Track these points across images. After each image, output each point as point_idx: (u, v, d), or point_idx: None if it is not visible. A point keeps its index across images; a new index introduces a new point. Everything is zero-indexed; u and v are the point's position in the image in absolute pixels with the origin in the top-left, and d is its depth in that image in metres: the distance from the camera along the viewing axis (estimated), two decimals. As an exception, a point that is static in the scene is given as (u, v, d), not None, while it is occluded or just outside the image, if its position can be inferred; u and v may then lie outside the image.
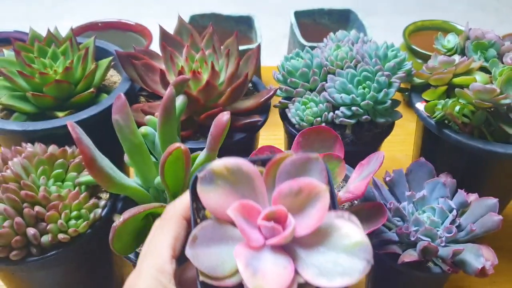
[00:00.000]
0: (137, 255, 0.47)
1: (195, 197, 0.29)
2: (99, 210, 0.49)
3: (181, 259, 0.30)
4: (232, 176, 0.28)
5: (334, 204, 0.29)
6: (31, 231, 0.44)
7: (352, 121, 0.58)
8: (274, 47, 1.29)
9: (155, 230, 0.31)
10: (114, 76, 0.68)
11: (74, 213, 0.47)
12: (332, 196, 0.29)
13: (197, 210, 0.30)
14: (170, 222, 0.30)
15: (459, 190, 0.52)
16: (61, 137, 0.51)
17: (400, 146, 0.82)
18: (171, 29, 0.65)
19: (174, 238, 0.30)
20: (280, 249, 0.28)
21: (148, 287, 0.28)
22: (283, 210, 0.27)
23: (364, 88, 0.58)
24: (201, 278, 0.26)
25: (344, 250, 0.27)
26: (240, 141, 0.57)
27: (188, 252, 0.26)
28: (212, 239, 0.27)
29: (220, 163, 0.28)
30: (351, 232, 0.27)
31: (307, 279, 0.26)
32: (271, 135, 0.82)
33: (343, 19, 0.98)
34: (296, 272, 0.26)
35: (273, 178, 0.29)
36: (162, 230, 0.30)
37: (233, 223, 0.28)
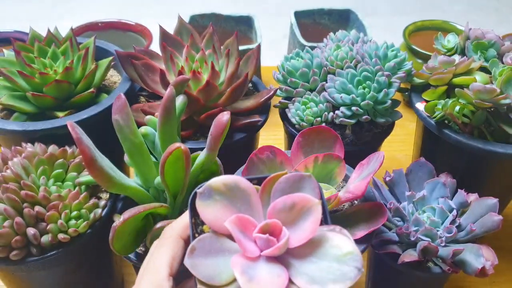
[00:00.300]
0: (137, 255, 0.47)
1: (194, 213, 0.31)
2: (99, 210, 0.49)
3: (178, 279, 0.31)
4: (230, 192, 0.30)
5: (326, 219, 0.31)
6: (31, 231, 0.44)
7: (352, 121, 0.58)
8: (274, 47, 1.30)
9: (153, 250, 0.33)
10: (114, 76, 0.68)
11: (74, 213, 0.47)
12: (324, 211, 0.31)
13: (196, 225, 0.31)
14: (168, 242, 0.32)
15: (459, 190, 0.52)
16: (61, 137, 0.51)
17: (400, 146, 0.83)
18: (171, 29, 0.65)
19: (171, 257, 0.31)
20: (274, 260, 0.29)
21: None
22: (277, 223, 0.29)
23: (364, 88, 0.58)
24: (199, 285, 0.28)
25: (336, 259, 0.28)
26: (240, 141, 0.57)
27: (187, 262, 0.28)
28: (209, 251, 0.29)
29: (219, 180, 0.30)
30: (342, 243, 0.29)
31: (300, 286, 0.28)
32: (271, 135, 0.82)
33: (343, 19, 0.98)
34: (290, 281, 0.28)
35: (268, 195, 0.31)
36: (160, 249, 0.32)
37: (230, 237, 0.29)
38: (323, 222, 0.31)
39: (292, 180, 0.30)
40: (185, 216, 0.33)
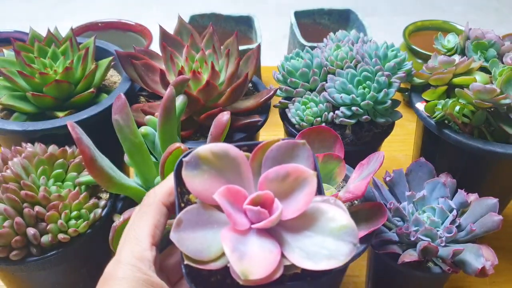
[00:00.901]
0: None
1: (179, 182, 0.29)
2: (99, 210, 0.49)
3: (162, 246, 0.30)
4: (218, 161, 0.28)
5: (320, 190, 0.29)
6: (31, 231, 0.44)
7: (352, 121, 0.58)
8: (274, 47, 1.29)
9: (134, 217, 0.31)
10: (114, 76, 0.68)
11: (74, 213, 0.47)
12: (319, 182, 0.29)
13: (181, 194, 0.29)
14: (150, 209, 0.30)
15: (459, 190, 0.51)
16: (61, 137, 0.51)
17: (400, 146, 0.82)
18: (171, 29, 0.65)
19: (153, 225, 0.30)
20: (266, 233, 0.27)
21: (127, 274, 0.28)
22: (269, 194, 0.27)
23: (364, 88, 0.58)
24: (186, 261, 0.26)
25: (330, 233, 0.27)
26: (240, 141, 0.57)
27: (173, 236, 0.26)
28: (197, 223, 0.27)
29: (206, 148, 0.28)
30: (337, 216, 0.27)
31: (293, 262, 0.26)
32: (271, 135, 0.82)
33: (343, 19, 0.98)
34: (283, 256, 0.26)
35: (259, 164, 0.29)
36: (142, 217, 0.30)
37: (218, 208, 0.28)
38: (317, 193, 0.29)
39: (285, 147, 0.29)
40: (168, 181, 0.31)
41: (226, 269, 0.26)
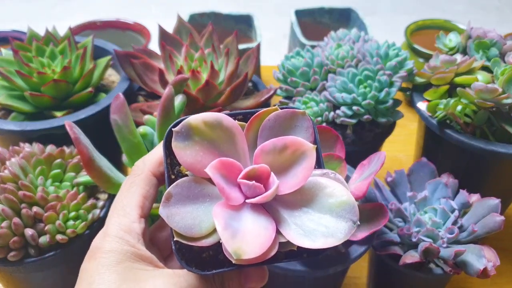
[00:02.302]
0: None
1: (169, 153, 0.27)
2: (97, 211, 0.49)
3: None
4: (211, 132, 0.26)
5: (319, 163, 0.28)
6: (29, 231, 0.44)
7: (353, 120, 0.58)
8: (274, 46, 1.29)
9: (122, 188, 0.30)
10: (112, 76, 0.67)
11: (72, 213, 0.46)
12: (318, 155, 0.28)
13: (172, 165, 0.28)
14: (138, 179, 0.29)
15: (461, 190, 0.51)
16: (59, 137, 0.51)
17: (401, 146, 0.82)
18: (170, 29, 0.65)
19: (142, 196, 0.29)
20: (261, 209, 0.26)
21: (114, 247, 0.27)
22: (265, 168, 0.26)
23: (365, 87, 0.58)
24: (176, 238, 0.25)
25: (329, 210, 0.25)
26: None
27: (162, 212, 0.25)
28: (188, 197, 0.26)
29: (198, 117, 0.26)
30: (337, 191, 0.26)
31: (289, 239, 0.25)
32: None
33: (344, 18, 0.97)
34: (278, 232, 0.25)
35: (255, 134, 0.27)
36: (130, 188, 0.29)
37: (211, 181, 0.26)
38: (316, 166, 0.27)
39: (283, 117, 0.27)
40: (158, 150, 0.29)
41: (218, 244, 0.25)
